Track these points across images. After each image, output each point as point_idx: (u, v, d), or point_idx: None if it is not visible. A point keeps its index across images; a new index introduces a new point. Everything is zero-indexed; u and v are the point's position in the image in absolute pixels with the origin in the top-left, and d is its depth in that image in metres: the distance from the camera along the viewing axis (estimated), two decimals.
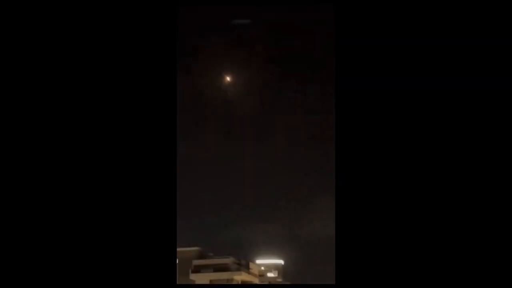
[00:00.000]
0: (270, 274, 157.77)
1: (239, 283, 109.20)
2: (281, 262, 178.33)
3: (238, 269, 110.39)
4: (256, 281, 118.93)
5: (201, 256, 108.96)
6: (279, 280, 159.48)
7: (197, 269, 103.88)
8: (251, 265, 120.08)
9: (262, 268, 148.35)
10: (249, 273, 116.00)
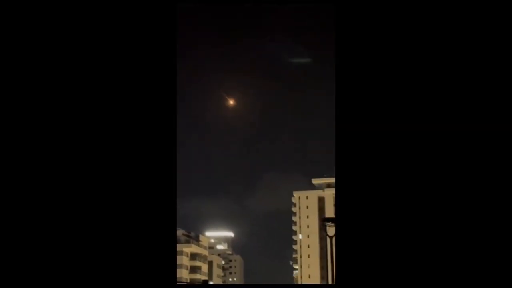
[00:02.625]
0: (219, 246, 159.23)
1: (189, 255, 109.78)
2: (231, 234, 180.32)
3: (188, 241, 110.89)
4: (205, 253, 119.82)
5: None
6: (229, 252, 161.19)
7: None
8: (200, 237, 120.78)
9: (212, 240, 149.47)
10: (199, 245, 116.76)
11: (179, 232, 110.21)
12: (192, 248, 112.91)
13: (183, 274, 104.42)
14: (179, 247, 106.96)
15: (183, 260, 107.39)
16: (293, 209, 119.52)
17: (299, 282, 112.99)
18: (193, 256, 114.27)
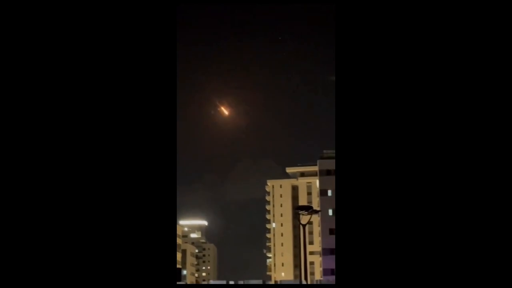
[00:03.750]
0: (193, 235, 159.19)
1: None
2: (205, 223, 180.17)
3: None
4: (179, 241, 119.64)
5: None
6: (203, 240, 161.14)
7: None
8: None
9: (186, 229, 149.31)
10: None
11: None
12: None
13: None
14: None
15: None
16: (267, 198, 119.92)
17: (273, 270, 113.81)
18: None
